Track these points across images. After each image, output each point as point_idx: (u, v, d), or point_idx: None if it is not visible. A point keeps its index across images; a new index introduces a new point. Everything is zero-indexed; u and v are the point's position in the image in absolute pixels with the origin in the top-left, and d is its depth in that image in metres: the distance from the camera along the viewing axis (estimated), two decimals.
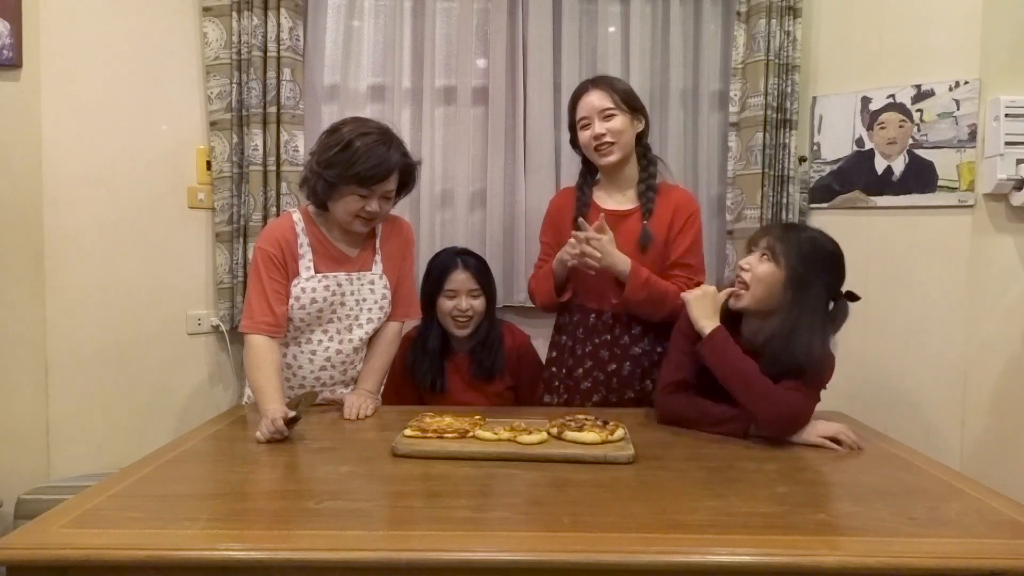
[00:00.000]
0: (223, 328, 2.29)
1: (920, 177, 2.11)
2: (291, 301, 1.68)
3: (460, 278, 1.96)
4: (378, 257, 1.78)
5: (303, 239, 1.71)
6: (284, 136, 2.21)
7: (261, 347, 1.63)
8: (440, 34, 2.37)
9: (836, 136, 2.26)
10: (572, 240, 1.69)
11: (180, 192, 2.26)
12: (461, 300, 1.95)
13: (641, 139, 1.84)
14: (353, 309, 1.76)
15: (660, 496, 1.16)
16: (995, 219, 2.02)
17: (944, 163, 2.08)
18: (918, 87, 2.11)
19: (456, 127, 2.38)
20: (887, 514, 1.09)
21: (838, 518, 1.09)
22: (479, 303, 1.98)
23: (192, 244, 2.28)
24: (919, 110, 2.11)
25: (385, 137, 1.63)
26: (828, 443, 1.44)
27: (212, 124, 2.24)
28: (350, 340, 1.76)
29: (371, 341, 1.82)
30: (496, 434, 1.41)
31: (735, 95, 2.28)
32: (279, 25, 2.18)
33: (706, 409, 1.55)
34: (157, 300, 2.23)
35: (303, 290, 1.69)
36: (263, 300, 1.65)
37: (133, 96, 2.17)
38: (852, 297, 1.53)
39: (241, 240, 2.26)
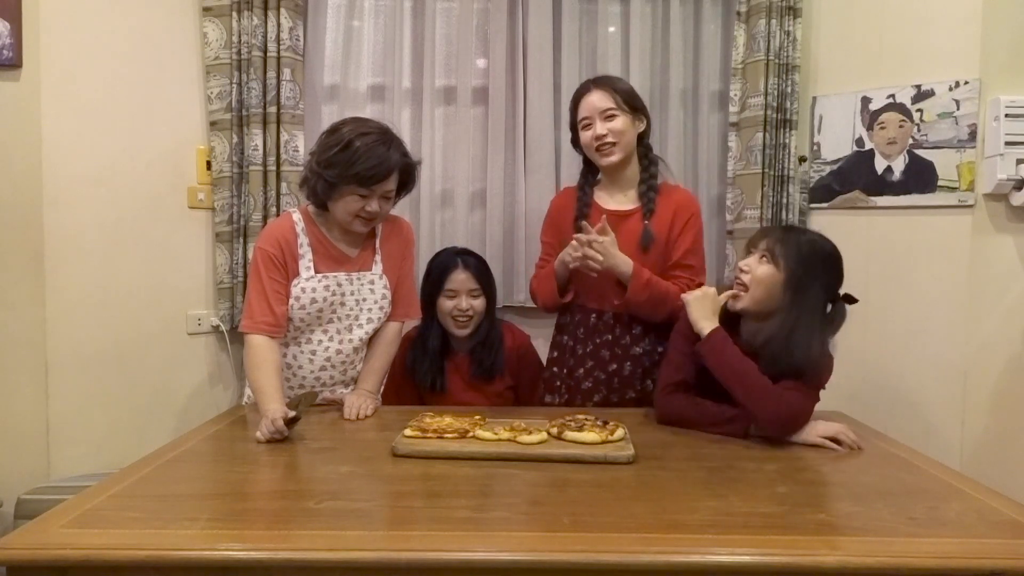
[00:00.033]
0: (223, 328, 2.29)
1: (920, 177, 2.11)
2: (291, 301, 1.68)
3: (460, 278, 1.96)
4: (378, 257, 1.79)
5: (303, 239, 1.71)
6: (284, 136, 2.21)
7: (261, 347, 1.63)
8: (440, 34, 2.37)
9: (836, 136, 2.26)
10: (574, 243, 1.69)
11: (180, 192, 2.26)
12: (461, 300, 1.95)
13: (642, 139, 1.84)
14: (353, 309, 1.76)
15: (660, 496, 1.16)
16: (995, 219, 2.02)
17: (944, 163, 2.08)
18: (918, 87, 2.11)
19: (456, 127, 2.38)
20: (887, 514, 1.09)
21: (838, 518, 1.09)
22: (479, 303, 1.98)
23: (192, 244, 2.28)
24: (919, 110, 2.11)
25: (385, 137, 1.64)
26: (828, 443, 1.44)
27: (212, 124, 2.24)
28: (350, 340, 1.76)
29: (371, 341, 1.82)
30: (496, 434, 1.41)
31: (735, 95, 2.28)
32: (279, 25, 2.18)
33: (706, 409, 1.55)
34: (157, 300, 2.23)
35: (303, 290, 1.69)
36: (263, 300, 1.65)
37: (133, 96, 2.17)
38: (850, 299, 1.53)
39: (241, 240, 2.26)
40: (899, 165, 2.15)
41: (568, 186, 2.00)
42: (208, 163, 2.26)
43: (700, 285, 1.72)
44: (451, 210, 2.40)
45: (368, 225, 1.70)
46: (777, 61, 2.22)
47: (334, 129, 1.65)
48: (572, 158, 2.12)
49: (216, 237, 2.26)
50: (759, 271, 1.52)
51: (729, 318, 1.58)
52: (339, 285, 1.72)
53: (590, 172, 1.90)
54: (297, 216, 1.74)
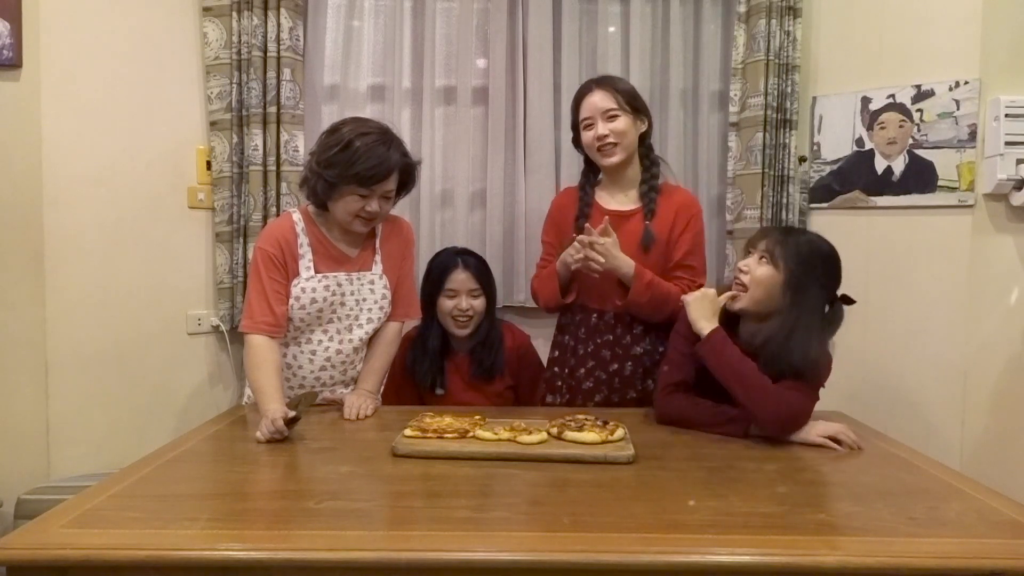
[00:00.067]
0: (223, 328, 2.29)
1: (920, 177, 2.11)
2: (291, 301, 1.68)
3: (460, 278, 1.96)
4: (378, 257, 1.79)
5: (303, 239, 1.71)
6: (284, 136, 2.21)
7: (261, 347, 1.63)
8: (440, 34, 2.37)
9: (836, 136, 2.26)
10: (576, 244, 1.69)
11: (180, 192, 2.26)
12: (461, 300, 1.95)
13: (644, 140, 1.84)
14: (353, 309, 1.76)
15: (660, 496, 1.16)
16: (995, 219, 2.02)
17: (944, 163, 2.08)
18: (918, 87, 2.11)
19: (456, 127, 2.38)
20: (887, 514, 1.09)
21: (838, 518, 1.09)
22: (479, 303, 1.98)
23: (192, 244, 2.28)
24: (919, 110, 2.11)
25: (385, 137, 1.64)
26: (828, 443, 1.44)
27: (212, 124, 2.24)
28: (350, 340, 1.76)
29: (371, 341, 1.82)
30: (496, 434, 1.41)
31: (735, 95, 2.28)
32: (279, 25, 2.18)
33: (706, 409, 1.55)
34: (157, 300, 2.23)
35: (303, 290, 1.69)
36: (263, 300, 1.65)
37: (133, 96, 2.17)
38: (848, 300, 1.54)
39: (241, 240, 2.26)
40: (899, 165, 2.15)
41: (569, 186, 2.00)
42: (208, 163, 2.26)
43: (701, 286, 1.73)
44: (451, 210, 2.40)
45: (368, 225, 1.70)
46: (777, 61, 2.22)
47: (334, 129, 1.65)
48: (572, 158, 2.12)
49: (216, 237, 2.26)
50: (758, 272, 1.52)
51: (728, 318, 1.58)
52: (339, 285, 1.72)
53: (591, 172, 1.90)
54: (297, 216, 1.74)
